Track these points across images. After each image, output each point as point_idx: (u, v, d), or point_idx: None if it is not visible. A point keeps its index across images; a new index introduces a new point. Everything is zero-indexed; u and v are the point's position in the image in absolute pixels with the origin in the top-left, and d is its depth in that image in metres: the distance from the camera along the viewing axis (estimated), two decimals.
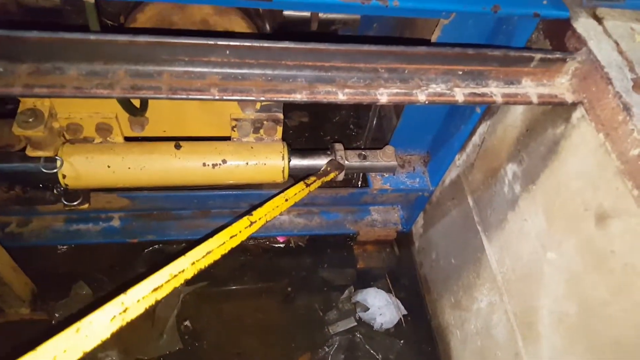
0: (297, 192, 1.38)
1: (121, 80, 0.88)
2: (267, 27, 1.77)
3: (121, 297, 0.88)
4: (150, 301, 0.90)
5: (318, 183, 1.49)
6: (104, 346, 1.74)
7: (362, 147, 2.31)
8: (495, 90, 1.09)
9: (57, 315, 1.79)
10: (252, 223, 1.17)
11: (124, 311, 0.86)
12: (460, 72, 1.07)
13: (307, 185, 1.44)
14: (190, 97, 0.90)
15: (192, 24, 1.48)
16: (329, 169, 1.59)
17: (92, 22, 1.03)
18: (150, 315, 1.86)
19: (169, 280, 0.94)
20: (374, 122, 2.21)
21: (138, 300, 0.89)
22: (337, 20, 2.27)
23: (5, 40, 0.85)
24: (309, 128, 2.55)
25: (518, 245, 1.40)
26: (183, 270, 0.97)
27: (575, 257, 1.18)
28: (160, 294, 0.92)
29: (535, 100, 1.11)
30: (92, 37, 0.85)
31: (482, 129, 1.56)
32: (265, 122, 1.54)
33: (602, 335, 1.09)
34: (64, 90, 0.86)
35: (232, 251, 2.11)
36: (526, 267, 1.37)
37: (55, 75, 0.87)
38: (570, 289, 1.21)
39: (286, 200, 1.32)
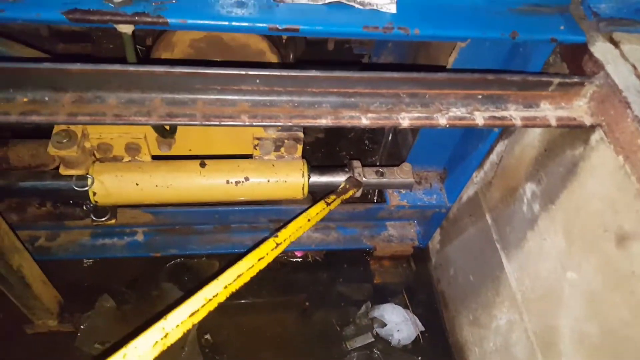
0: (319, 211, 1.41)
1: (158, 108, 0.93)
2: (287, 48, 1.83)
3: (162, 323, 0.92)
4: (188, 325, 0.95)
5: (338, 201, 1.52)
6: None
7: (378, 163, 2.35)
8: (514, 114, 1.12)
9: (82, 327, 1.84)
10: (277, 245, 1.21)
11: (165, 336, 0.92)
12: (480, 96, 1.10)
13: (328, 204, 1.47)
14: (222, 123, 0.95)
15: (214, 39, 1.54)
16: (347, 186, 1.63)
17: (129, 53, 1.09)
18: None
19: (204, 305, 0.99)
20: (390, 138, 2.25)
21: (177, 325, 0.93)
22: (352, 40, 2.33)
23: (50, 72, 0.91)
24: (325, 144, 2.60)
25: (538, 264, 1.41)
26: (217, 294, 1.01)
27: (596, 278, 1.19)
28: (197, 318, 0.97)
29: (554, 123, 1.13)
30: (131, 68, 0.91)
31: (499, 147, 1.58)
32: (286, 141, 1.58)
33: (623, 357, 1.09)
34: (104, 118, 0.91)
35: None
36: (546, 286, 1.38)
37: (96, 104, 0.92)
38: (591, 309, 1.22)
39: (309, 220, 1.35)
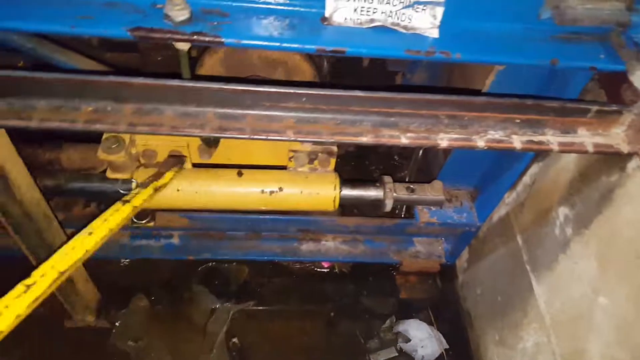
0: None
1: (211, 122, 1.00)
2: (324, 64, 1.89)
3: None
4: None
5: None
6: (158, 357, 1.87)
7: (407, 178, 2.37)
8: (552, 139, 1.14)
9: (117, 324, 1.92)
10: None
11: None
12: (518, 121, 1.13)
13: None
14: (269, 138, 1.00)
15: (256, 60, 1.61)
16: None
17: (185, 69, 1.16)
18: (202, 330, 1.96)
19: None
20: (420, 155, 2.27)
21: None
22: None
23: (113, 85, 0.98)
24: (354, 157, 2.64)
25: (568, 288, 1.41)
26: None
27: (628, 304, 1.19)
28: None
29: (591, 149, 1.14)
30: (189, 84, 0.98)
31: (533, 169, 1.59)
32: (320, 154, 1.63)
33: None
34: (162, 129, 0.98)
35: (280, 273, 2.21)
36: (576, 310, 1.38)
37: (154, 115, 0.99)
38: (622, 335, 1.21)
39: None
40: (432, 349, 2.00)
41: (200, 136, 0.97)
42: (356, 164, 2.62)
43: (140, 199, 1.28)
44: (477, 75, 1.72)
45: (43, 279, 0.97)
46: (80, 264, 1.09)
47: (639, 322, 1.15)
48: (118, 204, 1.24)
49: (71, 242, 1.09)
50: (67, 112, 0.99)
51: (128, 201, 1.25)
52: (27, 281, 0.96)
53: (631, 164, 1.17)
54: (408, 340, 2.02)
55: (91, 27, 1.00)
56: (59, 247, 1.05)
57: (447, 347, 2.03)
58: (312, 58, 1.70)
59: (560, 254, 1.44)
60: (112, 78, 0.98)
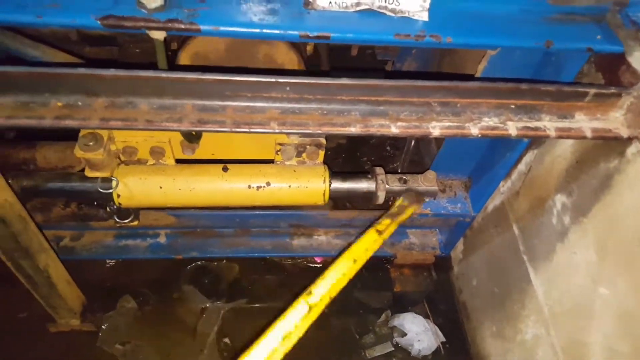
0: (369, 245, 1.32)
1: (189, 115, 0.93)
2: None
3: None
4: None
5: (393, 226, 1.38)
6: (147, 358, 1.81)
7: (400, 169, 2.32)
8: (548, 124, 1.09)
9: (103, 326, 1.86)
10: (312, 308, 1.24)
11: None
12: (513, 106, 1.08)
13: (380, 233, 1.35)
14: (252, 130, 0.95)
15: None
16: (406, 203, 1.45)
17: (161, 60, 1.09)
18: (192, 330, 1.90)
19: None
20: (412, 145, 2.22)
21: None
22: (376, 46, 2.31)
23: (84, 77, 0.92)
24: (346, 149, 2.58)
25: (567, 278, 1.37)
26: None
27: (629, 295, 1.15)
28: None
29: (589, 134, 1.10)
30: (164, 75, 0.91)
31: (528, 157, 1.55)
32: (308, 147, 1.57)
33: None
34: (136, 124, 0.91)
35: (272, 269, 2.15)
36: (575, 301, 1.34)
37: (128, 110, 0.93)
38: (623, 326, 1.18)
39: (355, 261, 1.30)
40: (429, 343, 1.97)
41: (178, 130, 0.91)
42: (347, 156, 2.57)
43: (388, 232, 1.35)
44: (468, 62, 1.67)
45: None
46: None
47: None
48: (374, 234, 1.33)
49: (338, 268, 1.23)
50: (35, 108, 0.92)
51: (381, 232, 1.34)
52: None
53: (631, 149, 1.13)
54: (404, 334, 1.98)
55: (58, 17, 0.94)
56: None
57: (444, 340, 2.00)
58: (302, 53, 1.64)
59: (558, 243, 1.40)
60: (82, 70, 0.91)
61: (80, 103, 0.92)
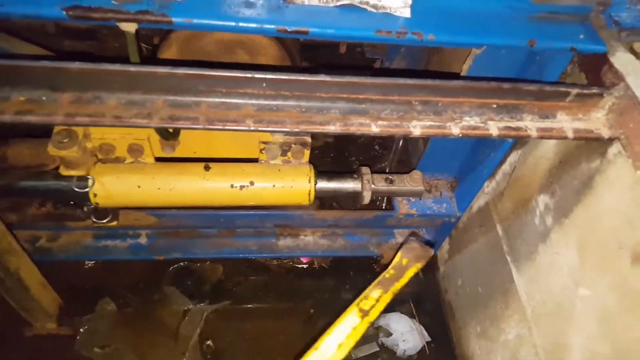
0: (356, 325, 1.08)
1: (160, 110, 0.90)
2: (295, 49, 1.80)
3: None
4: None
5: (388, 297, 1.15)
6: None
7: (388, 169, 2.30)
8: (530, 124, 1.07)
9: (82, 330, 1.81)
10: None
11: None
12: (495, 106, 1.06)
13: (365, 314, 1.10)
14: (226, 127, 0.92)
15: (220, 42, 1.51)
16: (405, 262, 1.20)
17: (132, 53, 1.06)
18: (174, 333, 1.86)
19: None
20: (400, 145, 2.20)
21: None
22: (365, 43, 2.29)
23: (48, 71, 0.88)
24: (333, 148, 2.56)
25: (549, 279, 1.36)
26: None
27: (609, 296, 1.14)
28: None
29: (570, 135, 1.09)
30: (132, 68, 0.88)
31: (512, 157, 1.54)
32: (293, 145, 1.55)
33: None
34: (104, 120, 0.88)
35: (257, 270, 2.12)
36: (557, 302, 1.33)
37: (95, 105, 0.89)
38: (603, 328, 1.17)
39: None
40: (414, 343, 1.95)
41: (148, 127, 0.87)
42: (335, 156, 2.54)
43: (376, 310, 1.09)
44: (454, 60, 1.65)
45: None
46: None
47: (620, 314, 1.10)
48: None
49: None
50: None
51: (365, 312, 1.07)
52: None
53: (612, 149, 1.12)
54: (389, 334, 1.96)
55: (21, 6, 0.90)
56: None
57: (429, 339, 1.99)
58: (290, 50, 1.61)
59: (541, 244, 1.39)
60: (46, 63, 0.87)
61: (44, 98, 0.88)
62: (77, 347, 1.77)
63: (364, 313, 1.05)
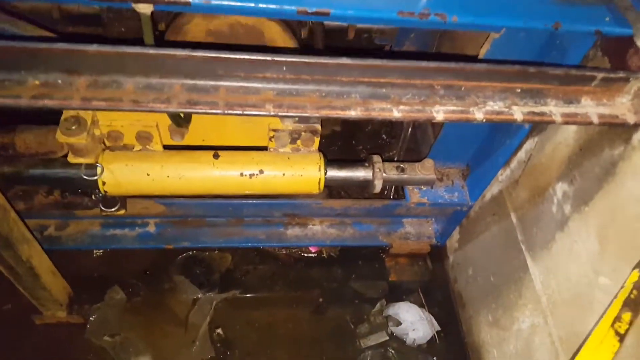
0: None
1: (178, 95, 0.87)
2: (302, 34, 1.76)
3: None
4: None
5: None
6: (136, 352, 1.76)
7: (396, 157, 2.28)
8: (554, 110, 1.05)
9: (91, 318, 1.80)
10: None
11: None
12: (519, 90, 1.03)
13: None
14: (245, 112, 0.89)
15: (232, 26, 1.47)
16: None
17: (147, 35, 1.02)
18: (183, 322, 1.85)
19: None
20: (409, 132, 2.18)
21: None
22: (374, 29, 2.25)
23: (65, 53, 0.85)
24: (341, 137, 2.53)
25: (566, 267, 1.35)
26: None
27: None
28: None
29: (595, 120, 1.06)
30: (151, 51, 0.85)
31: (529, 145, 1.51)
32: (303, 133, 1.52)
33: None
34: (121, 104, 0.85)
35: (265, 259, 2.11)
36: (575, 291, 1.32)
37: (112, 89, 0.87)
38: None
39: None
40: (424, 332, 1.95)
41: (166, 112, 0.85)
42: (342, 144, 2.51)
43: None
44: (469, 45, 1.62)
45: None
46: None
47: None
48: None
49: None
50: (10, 87, 0.86)
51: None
52: None
53: (637, 136, 1.10)
54: (399, 323, 1.96)
55: None
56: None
57: (439, 329, 1.98)
58: (296, 34, 1.57)
59: (558, 232, 1.37)
60: (63, 46, 0.84)
61: (60, 81, 0.85)
62: (87, 336, 1.76)
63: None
